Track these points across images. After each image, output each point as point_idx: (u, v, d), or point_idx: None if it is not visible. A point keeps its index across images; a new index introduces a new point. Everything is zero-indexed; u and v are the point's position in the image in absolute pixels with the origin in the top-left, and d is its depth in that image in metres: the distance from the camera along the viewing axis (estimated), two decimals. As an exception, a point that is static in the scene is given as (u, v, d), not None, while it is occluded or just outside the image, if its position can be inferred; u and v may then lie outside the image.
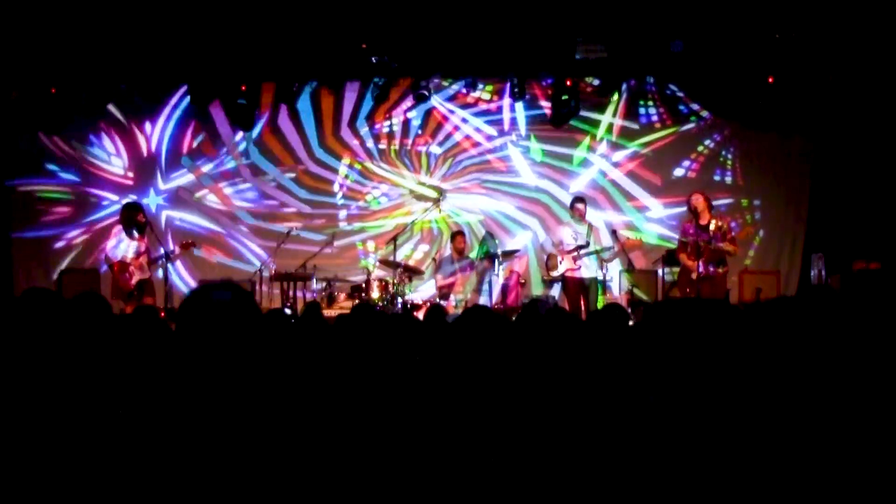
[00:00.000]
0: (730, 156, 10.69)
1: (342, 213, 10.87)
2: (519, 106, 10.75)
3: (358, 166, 10.85)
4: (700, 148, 10.73)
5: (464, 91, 10.72)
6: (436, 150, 10.85)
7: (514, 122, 10.84)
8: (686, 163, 10.74)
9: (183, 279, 10.66)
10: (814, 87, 9.76)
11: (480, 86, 10.68)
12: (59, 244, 10.67)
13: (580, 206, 9.30)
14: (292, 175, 10.87)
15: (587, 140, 10.77)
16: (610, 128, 10.76)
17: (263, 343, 2.12)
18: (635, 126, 10.74)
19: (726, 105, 10.36)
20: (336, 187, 10.87)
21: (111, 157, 10.82)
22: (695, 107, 10.69)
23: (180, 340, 2.07)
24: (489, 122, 10.86)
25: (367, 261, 10.58)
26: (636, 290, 9.63)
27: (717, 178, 10.67)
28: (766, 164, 10.58)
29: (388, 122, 10.85)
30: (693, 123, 10.71)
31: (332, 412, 2.33)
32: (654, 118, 10.75)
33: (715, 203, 8.98)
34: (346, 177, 10.86)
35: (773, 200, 10.62)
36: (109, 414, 2.06)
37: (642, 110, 10.74)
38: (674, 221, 10.42)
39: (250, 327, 2.10)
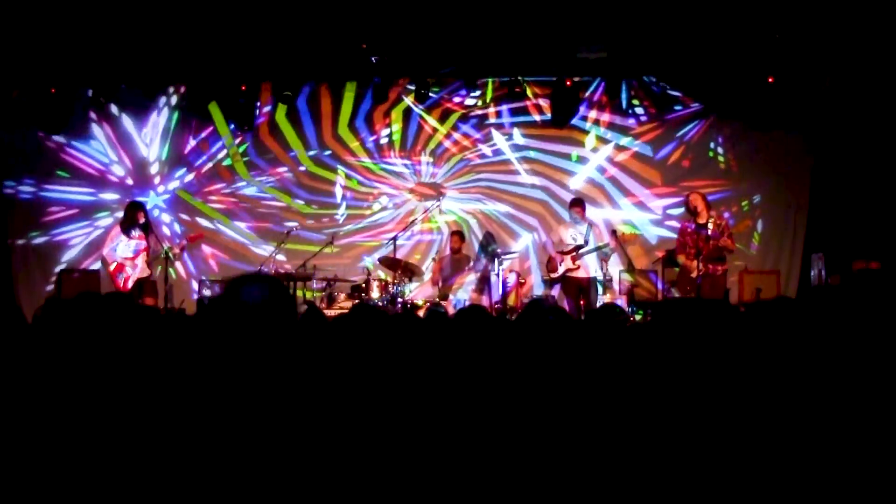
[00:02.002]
0: (729, 154, 10.69)
1: (343, 217, 10.86)
2: (518, 106, 10.75)
3: (359, 166, 10.85)
4: (699, 146, 10.72)
5: (462, 92, 10.72)
6: (435, 149, 10.86)
7: (512, 123, 10.84)
8: (684, 160, 10.73)
9: (183, 279, 10.65)
10: (814, 87, 9.75)
11: (479, 87, 10.67)
12: (59, 245, 10.66)
13: (579, 207, 9.33)
14: (292, 175, 10.87)
15: (585, 139, 10.78)
16: (608, 126, 10.76)
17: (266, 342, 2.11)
18: (633, 124, 10.74)
19: (726, 105, 10.36)
20: (338, 196, 10.84)
21: (111, 157, 10.81)
22: (694, 106, 10.68)
23: (199, 338, 2.07)
24: (488, 123, 10.85)
25: (367, 261, 10.57)
26: (636, 291, 9.62)
27: (716, 175, 10.67)
28: (767, 163, 10.58)
29: (387, 122, 10.85)
30: (692, 122, 10.71)
31: (330, 412, 2.33)
32: (652, 117, 10.73)
33: (713, 198, 8.99)
34: (347, 177, 10.84)
35: (774, 200, 10.62)
36: (111, 413, 2.05)
37: (639, 109, 10.73)
38: (672, 216, 10.44)
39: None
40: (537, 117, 10.80)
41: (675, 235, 9.28)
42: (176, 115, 10.82)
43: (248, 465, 1.96)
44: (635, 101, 10.71)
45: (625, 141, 10.76)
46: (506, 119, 10.84)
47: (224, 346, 2.06)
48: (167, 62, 9.79)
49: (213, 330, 2.06)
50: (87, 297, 2.38)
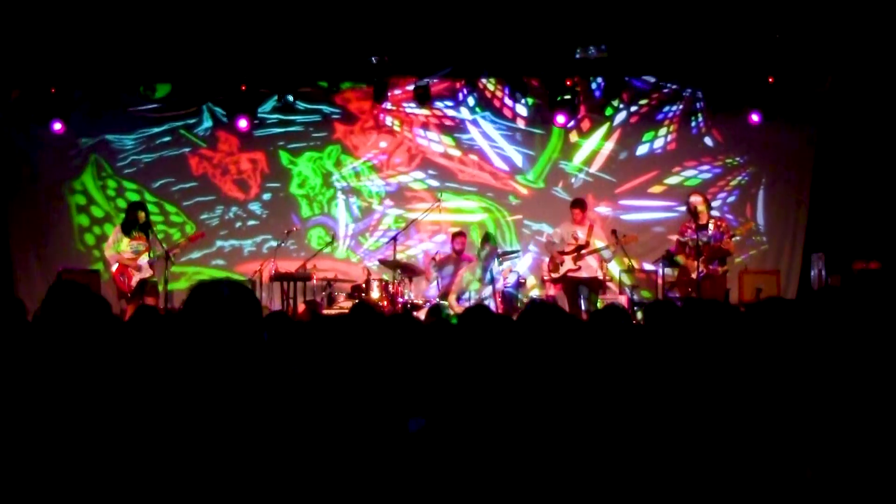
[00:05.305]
0: (726, 151, 10.70)
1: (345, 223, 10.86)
2: (515, 107, 10.76)
3: (358, 166, 10.85)
4: (700, 145, 10.74)
5: (463, 91, 10.72)
6: (435, 149, 10.87)
7: (511, 122, 10.83)
8: (680, 154, 10.76)
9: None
10: (815, 87, 9.75)
11: (477, 88, 10.68)
12: (59, 244, 10.64)
13: (579, 208, 9.31)
14: (292, 174, 10.87)
15: (584, 138, 10.78)
16: (606, 125, 10.76)
17: (261, 342, 2.12)
18: (630, 121, 10.74)
19: (726, 104, 10.36)
20: (340, 201, 10.84)
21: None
22: (693, 105, 10.68)
23: (182, 336, 2.08)
24: (487, 123, 10.85)
25: (367, 261, 10.57)
26: (636, 291, 9.62)
27: (713, 170, 10.69)
28: (767, 163, 10.60)
29: (386, 122, 10.85)
30: (690, 119, 10.72)
31: (330, 413, 2.33)
32: (651, 114, 10.73)
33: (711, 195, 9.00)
34: (346, 179, 10.84)
35: (774, 200, 10.63)
36: (109, 414, 2.06)
37: (637, 106, 10.73)
38: (672, 214, 10.45)
39: (250, 323, 2.10)
40: (537, 116, 10.79)
41: (674, 231, 9.29)
42: (172, 115, 10.77)
43: (245, 463, 1.96)
44: (632, 99, 10.71)
45: (623, 138, 10.76)
46: (503, 120, 10.84)
47: (209, 341, 2.06)
48: (168, 62, 9.78)
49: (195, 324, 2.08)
50: (68, 286, 2.38)
